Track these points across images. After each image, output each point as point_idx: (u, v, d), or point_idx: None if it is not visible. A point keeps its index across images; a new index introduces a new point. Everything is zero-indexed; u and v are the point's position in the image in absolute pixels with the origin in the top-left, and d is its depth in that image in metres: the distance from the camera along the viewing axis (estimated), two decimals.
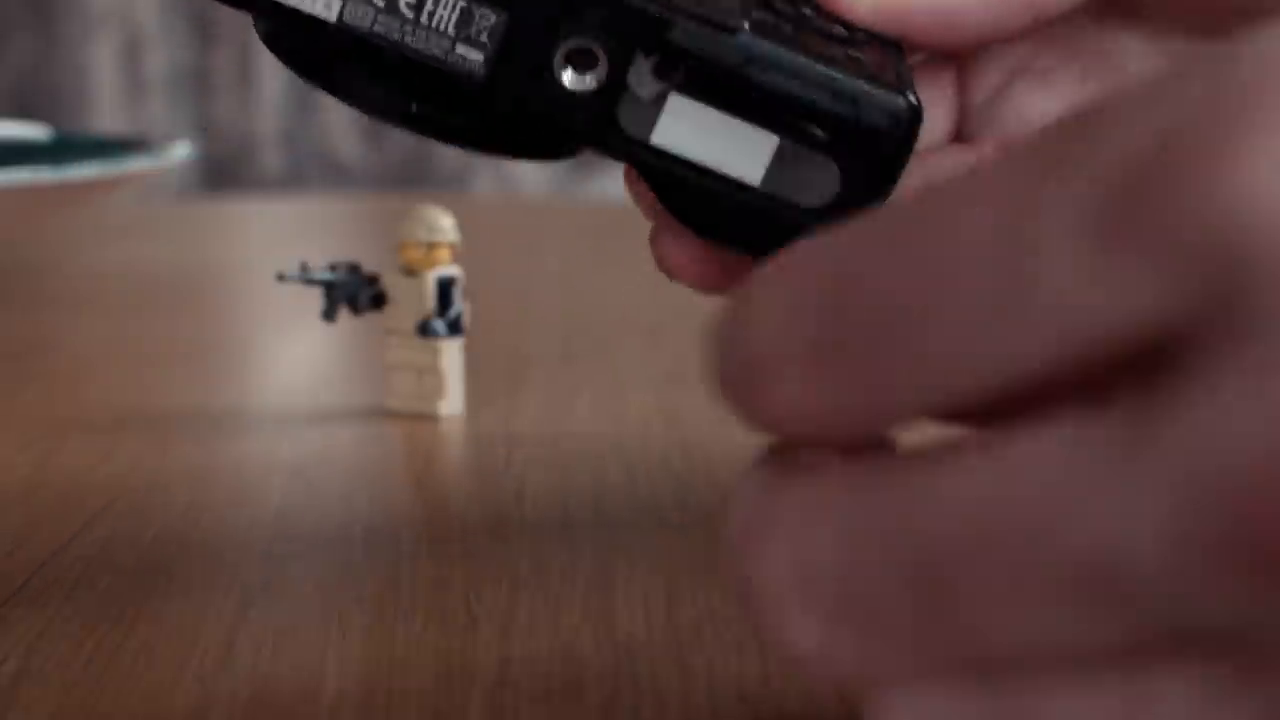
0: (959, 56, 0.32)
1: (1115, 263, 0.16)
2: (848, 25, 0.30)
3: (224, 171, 1.69)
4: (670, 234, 0.29)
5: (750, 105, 0.28)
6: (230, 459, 0.42)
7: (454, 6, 0.28)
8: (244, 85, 1.72)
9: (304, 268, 0.46)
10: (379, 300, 0.46)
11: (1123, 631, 0.18)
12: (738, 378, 0.20)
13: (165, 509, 0.37)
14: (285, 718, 0.26)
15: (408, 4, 0.28)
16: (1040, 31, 0.32)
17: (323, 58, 0.30)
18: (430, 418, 0.45)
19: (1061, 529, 0.17)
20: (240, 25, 1.74)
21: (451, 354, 0.45)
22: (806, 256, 0.19)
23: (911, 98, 0.28)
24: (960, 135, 0.33)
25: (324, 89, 0.30)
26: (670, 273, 0.30)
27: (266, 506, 0.37)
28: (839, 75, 0.28)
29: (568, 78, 0.28)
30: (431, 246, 0.44)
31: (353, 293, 0.46)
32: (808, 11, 0.30)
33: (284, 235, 0.86)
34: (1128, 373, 0.17)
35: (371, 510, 0.37)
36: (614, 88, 0.28)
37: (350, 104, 0.30)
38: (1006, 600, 0.18)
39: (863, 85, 0.28)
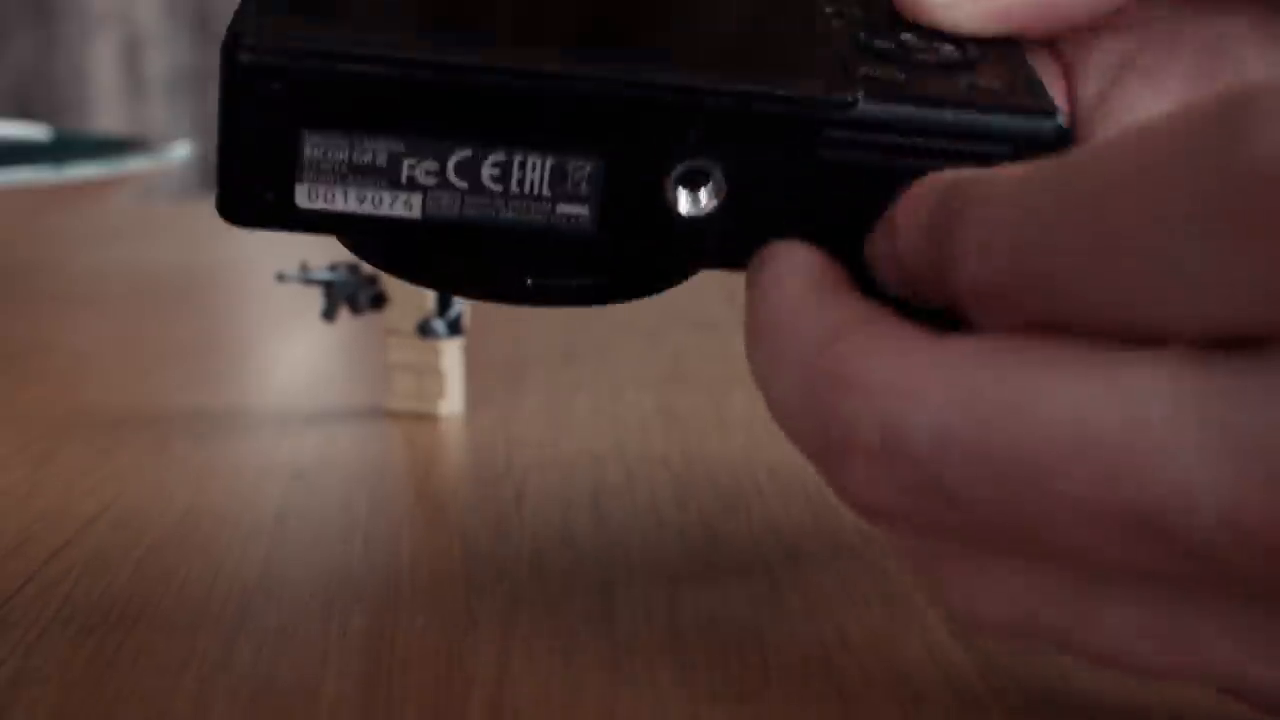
0: (1070, 41, 0.32)
1: (1243, 260, 0.19)
2: (954, 39, 0.28)
3: None
4: None
5: (892, 177, 0.26)
6: (230, 460, 0.41)
7: (544, 166, 0.25)
8: None
9: (304, 268, 0.46)
10: (379, 300, 0.46)
11: (1173, 567, 0.20)
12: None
13: (165, 509, 0.37)
14: (285, 718, 0.26)
15: (493, 177, 0.25)
16: (1146, 16, 0.31)
17: (420, 255, 0.27)
18: (430, 418, 0.45)
19: (1148, 465, 0.19)
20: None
21: (451, 354, 0.45)
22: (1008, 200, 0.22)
23: (1059, 118, 0.26)
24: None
25: (429, 286, 0.28)
26: None
27: (266, 507, 0.37)
28: (979, 115, 0.26)
29: (684, 204, 0.26)
30: None
31: (353, 293, 0.46)
32: (908, 37, 0.28)
33: (284, 235, 0.86)
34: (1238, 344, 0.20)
35: (371, 511, 0.37)
36: (736, 201, 0.26)
37: (462, 294, 0.28)
38: (1077, 513, 0.20)
39: (1005, 119, 0.26)
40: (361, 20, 0.26)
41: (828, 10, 0.29)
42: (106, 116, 1.70)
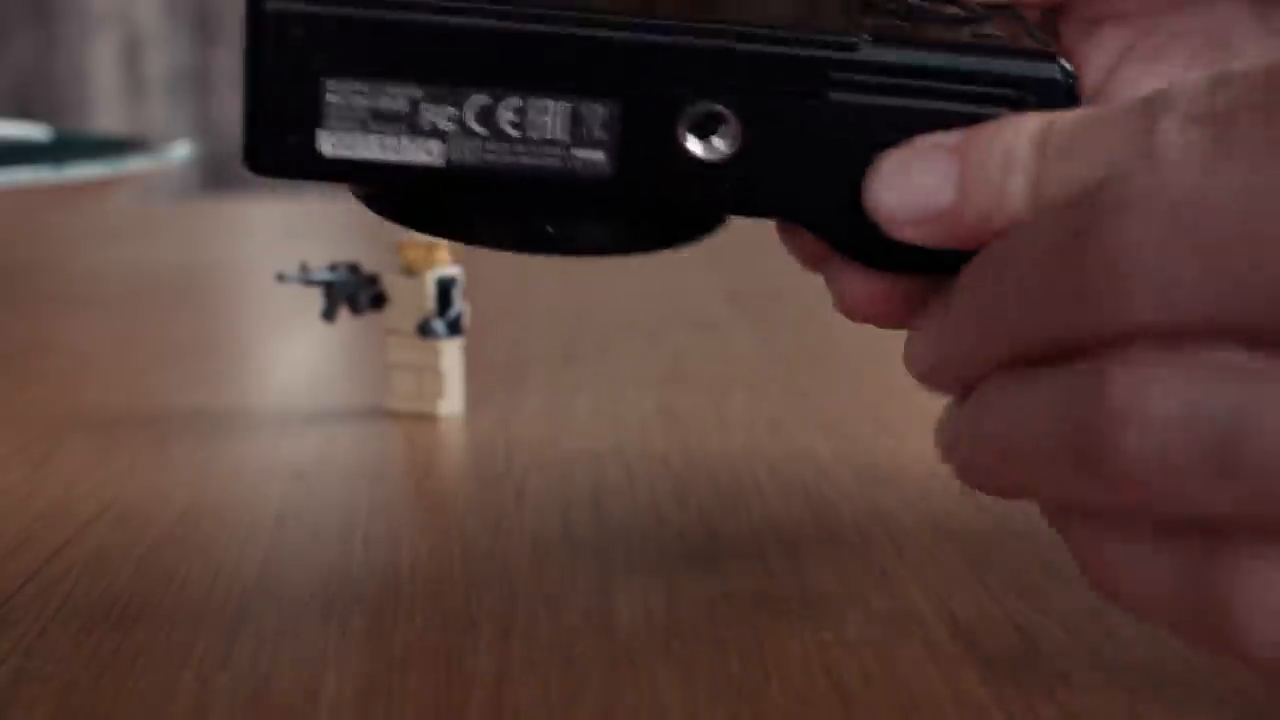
0: (1072, 29, 0.32)
1: None
2: (959, 3, 0.29)
3: (224, 171, 1.69)
4: (848, 273, 0.28)
5: (902, 121, 0.26)
6: (229, 460, 0.41)
7: (559, 110, 0.26)
8: None
9: (304, 268, 0.46)
10: (379, 300, 0.46)
11: None
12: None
13: (165, 509, 0.37)
14: (285, 718, 0.26)
15: (511, 122, 0.26)
16: (1147, 6, 0.32)
17: (437, 206, 0.28)
18: (430, 418, 0.45)
19: None
20: (240, 25, 1.74)
21: (451, 354, 0.45)
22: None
23: (1063, 61, 0.26)
24: None
25: (448, 236, 0.28)
26: (852, 312, 0.28)
27: (266, 507, 0.37)
28: (985, 59, 0.26)
29: (699, 148, 0.26)
30: (431, 247, 0.44)
31: (353, 293, 0.46)
32: (914, 1, 0.29)
33: (284, 235, 0.86)
34: None
35: (371, 511, 0.37)
36: (750, 147, 0.26)
37: (480, 244, 0.28)
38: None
39: (1011, 62, 0.26)
40: None
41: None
42: (106, 116, 1.70)
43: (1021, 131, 0.25)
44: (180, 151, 0.71)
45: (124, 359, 0.54)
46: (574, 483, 0.39)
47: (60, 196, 0.64)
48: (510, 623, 0.30)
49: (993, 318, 0.25)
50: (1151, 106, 0.24)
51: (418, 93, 0.26)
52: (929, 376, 0.27)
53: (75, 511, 0.37)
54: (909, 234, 0.26)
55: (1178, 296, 0.22)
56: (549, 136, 0.26)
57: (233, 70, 1.69)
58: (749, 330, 0.58)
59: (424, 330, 0.44)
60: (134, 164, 0.66)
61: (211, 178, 1.68)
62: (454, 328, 0.45)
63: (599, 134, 0.26)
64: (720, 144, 0.26)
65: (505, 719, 0.26)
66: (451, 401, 0.46)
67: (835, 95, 0.26)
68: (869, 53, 0.26)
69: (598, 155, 0.26)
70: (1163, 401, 0.22)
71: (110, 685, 0.27)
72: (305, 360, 0.54)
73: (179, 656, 0.29)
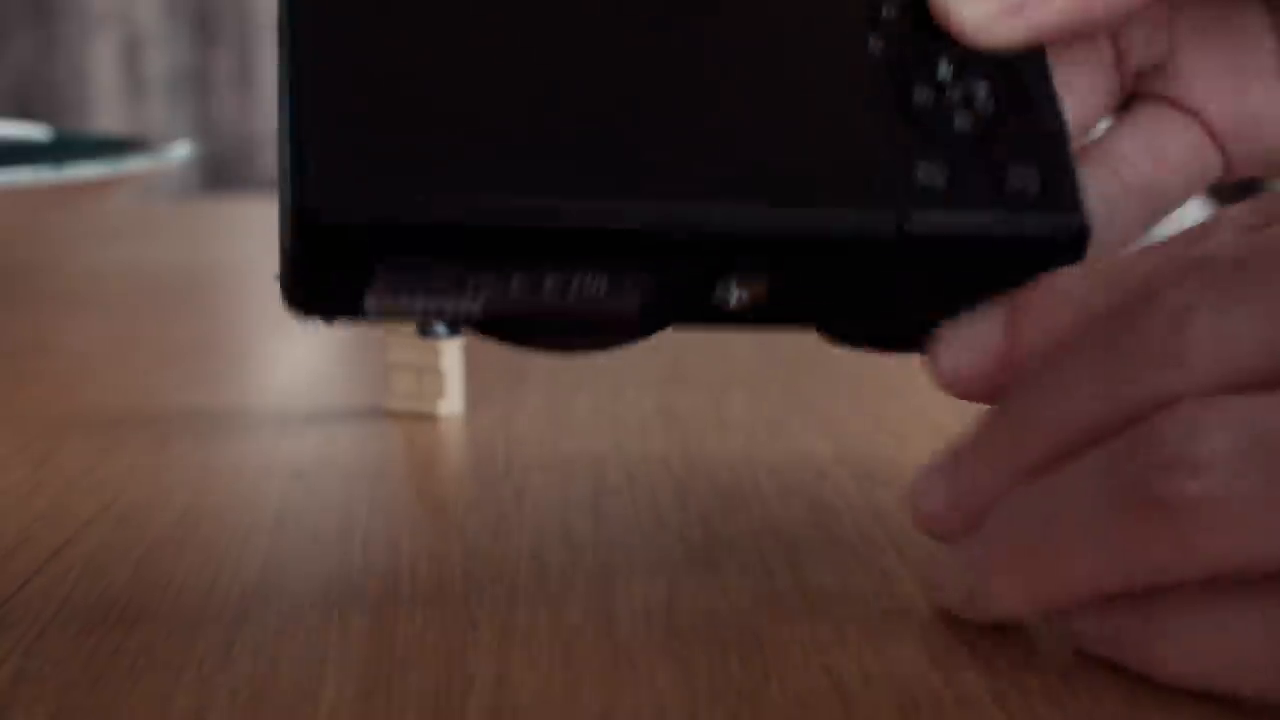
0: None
1: None
2: (984, 57, 0.30)
3: (224, 171, 1.69)
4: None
5: (932, 274, 0.28)
6: (229, 459, 0.41)
7: (600, 280, 0.27)
8: (244, 85, 1.72)
9: None
10: None
11: None
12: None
13: (164, 509, 0.37)
14: (285, 718, 0.26)
15: (552, 290, 0.27)
16: None
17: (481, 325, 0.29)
18: (430, 418, 0.45)
19: None
20: (240, 25, 1.74)
21: (451, 354, 0.45)
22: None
23: (1083, 215, 0.28)
24: (1124, 102, 0.34)
25: (485, 338, 0.30)
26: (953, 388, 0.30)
27: (266, 507, 0.37)
28: (1014, 219, 0.28)
29: (732, 302, 0.29)
30: None
31: None
32: (944, 72, 0.30)
33: None
34: None
35: (371, 511, 0.37)
36: (781, 296, 0.28)
37: (508, 346, 0.30)
38: None
39: (1038, 220, 0.28)
40: (421, 162, 0.27)
41: (874, 17, 0.30)
42: (106, 116, 1.70)
43: (1069, 273, 0.27)
44: (180, 151, 0.71)
45: (124, 359, 0.54)
46: (574, 483, 0.39)
47: (60, 196, 0.64)
48: (510, 623, 0.30)
49: (1029, 421, 0.26)
50: (1200, 227, 0.25)
51: (465, 272, 0.27)
52: (946, 509, 0.28)
53: (75, 511, 0.37)
54: (974, 391, 0.28)
55: (1237, 347, 0.23)
56: (586, 296, 0.28)
57: (232, 70, 1.69)
58: (749, 330, 0.58)
59: (424, 330, 0.44)
60: (134, 164, 0.66)
61: (211, 178, 1.68)
62: (454, 327, 0.45)
63: (636, 295, 0.28)
64: (751, 296, 0.28)
65: (505, 719, 0.26)
66: (451, 401, 0.46)
67: (869, 267, 0.28)
68: (909, 226, 0.28)
69: (631, 305, 0.28)
70: (1216, 437, 0.22)
71: (110, 686, 0.27)
72: (305, 360, 0.54)
73: (179, 657, 0.29)
